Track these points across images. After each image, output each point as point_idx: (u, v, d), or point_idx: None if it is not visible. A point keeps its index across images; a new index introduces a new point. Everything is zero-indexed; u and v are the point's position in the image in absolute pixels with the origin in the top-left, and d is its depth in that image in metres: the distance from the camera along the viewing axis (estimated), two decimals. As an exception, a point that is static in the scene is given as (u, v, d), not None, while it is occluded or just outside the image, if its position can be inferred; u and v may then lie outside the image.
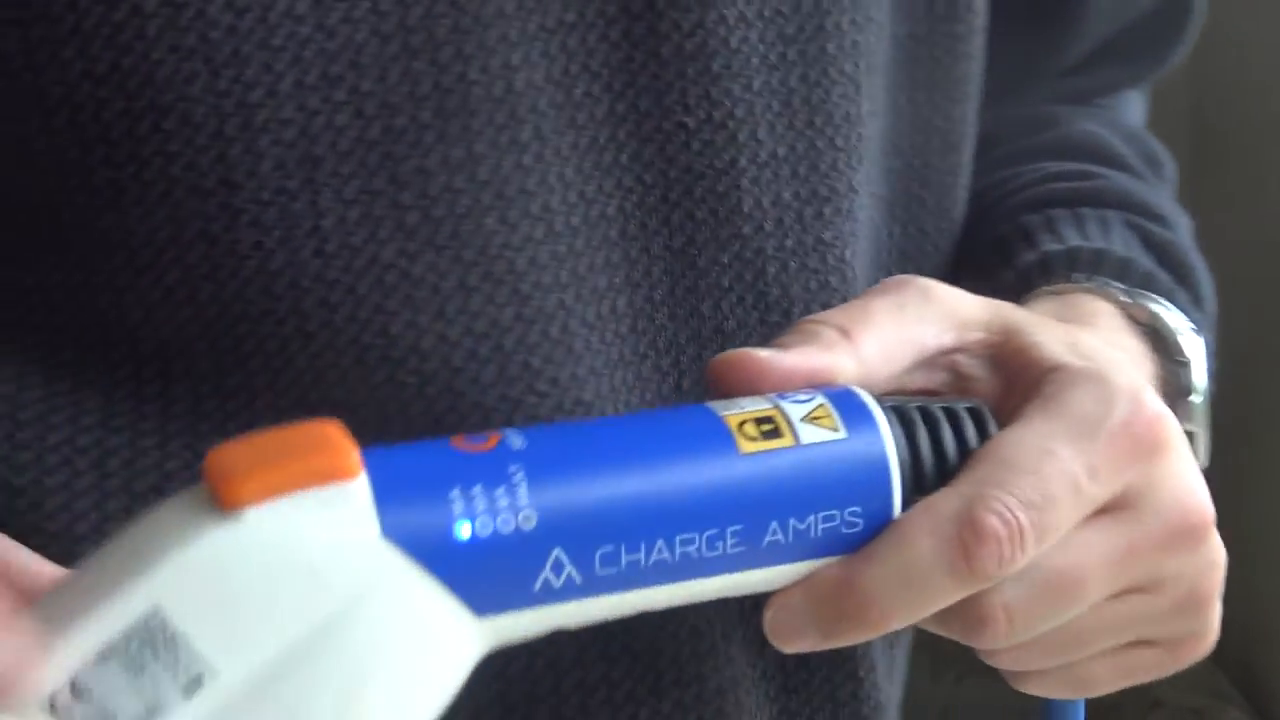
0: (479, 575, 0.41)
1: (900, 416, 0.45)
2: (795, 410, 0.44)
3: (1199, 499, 0.47)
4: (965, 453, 0.45)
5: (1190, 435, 0.54)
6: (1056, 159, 0.65)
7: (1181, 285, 0.59)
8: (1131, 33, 0.69)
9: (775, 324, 0.54)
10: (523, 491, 0.41)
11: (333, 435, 0.40)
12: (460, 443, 0.42)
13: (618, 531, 0.42)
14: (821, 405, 0.44)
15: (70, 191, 0.48)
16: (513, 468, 0.41)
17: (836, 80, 0.55)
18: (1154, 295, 0.56)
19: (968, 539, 0.43)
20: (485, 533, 0.40)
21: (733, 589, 0.44)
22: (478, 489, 0.41)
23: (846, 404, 0.44)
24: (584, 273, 0.51)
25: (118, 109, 0.47)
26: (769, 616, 0.45)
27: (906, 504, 0.44)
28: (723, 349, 0.52)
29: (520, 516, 0.41)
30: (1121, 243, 0.60)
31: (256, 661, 0.39)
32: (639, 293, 0.52)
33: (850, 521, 0.44)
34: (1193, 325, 0.56)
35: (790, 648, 0.45)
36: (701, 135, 0.52)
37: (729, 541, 0.43)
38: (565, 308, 0.50)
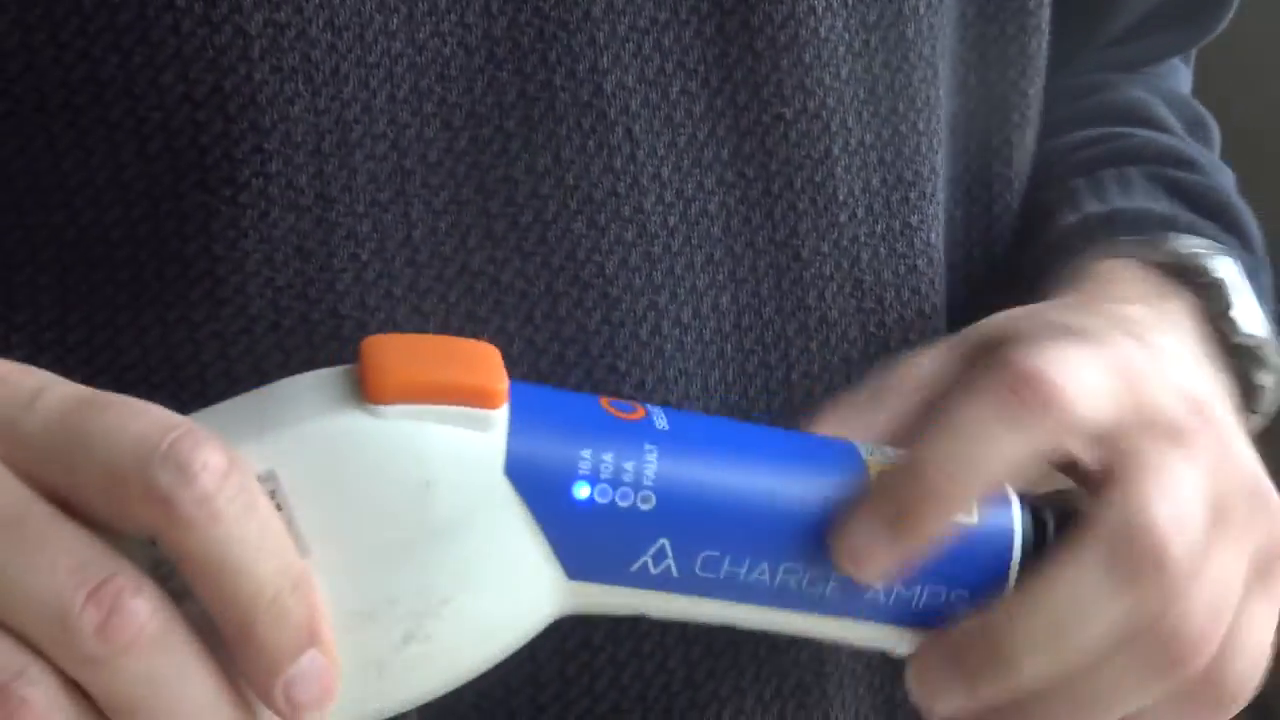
0: (583, 539, 0.41)
1: (1034, 516, 0.44)
2: None
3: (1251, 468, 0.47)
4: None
5: (1253, 390, 0.54)
6: (1092, 125, 0.65)
7: (1222, 226, 0.59)
8: (1176, 2, 0.69)
9: (870, 310, 0.54)
10: (651, 471, 0.41)
11: (490, 359, 0.41)
12: (607, 405, 0.42)
13: (728, 541, 0.41)
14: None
15: (159, 220, 0.48)
16: (649, 445, 0.41)
17: (916, 65, 0.55)
18: (1174, 234, 0.56)
19: (1140, 538, 0.43)
20: (603, 500, 0.41)
21: (816, 631, 0.44)
22: (609, 456, 0.41)
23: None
24: (681, 272, 0.51)
25: (216, 131, 0.47)
26: (911, 680, 0.45)
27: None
28: (828, 339, 0.53)
29: (640, 495, 0.41)
30: (1143, 194, 0.60)
31: (348, 554, 0.39)
32: (744, 288, 0.52)
33: (954, 603, 0.43)
34: (1235, 260, 0.56)
35: (939, 707, 0.44)
36: (798, 126, 0.52)
37: (830, 585, 0.42)
38: (657, 309, 0.50)
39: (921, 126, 0.55)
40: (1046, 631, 0.42)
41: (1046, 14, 0.59)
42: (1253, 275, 0.57)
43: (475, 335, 0.49)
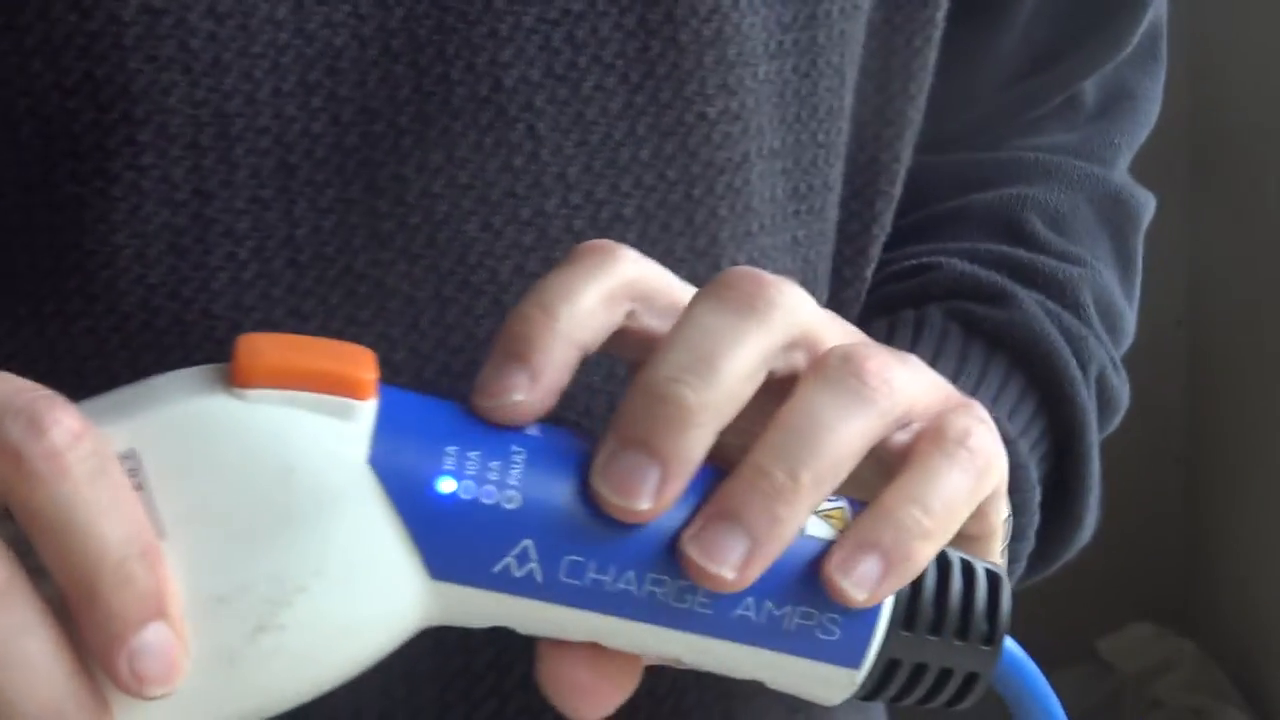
0: (446, 535, 0.40)
1: None
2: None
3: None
4: (969, 608, 0.43)
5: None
6: (939, 239, 0.63)
7: (1018, 365, 0.58)
8: (1075, 18, 0.65)
9: None
10: (517, 472, 0.40)
11: (363, 355, 0.40)
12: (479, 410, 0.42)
13: (592, 545, 0.41)
14: (840, 508, 0.42)
15: (30, 210, 0.46)
16: (516, 448, 0.41)
17: (824, 72, 0.53)
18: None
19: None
20: (467, 496, 0.40)
21: (689, 653, 0.42)
22: (475, 454, 0.40)
23: None
24: None
25: (87, 121, 0.45)
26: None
27: (889, 634, 0.42)
28: None
29: (505, 494, 0.40)
30: (932, 342, 0.58)
31: (205, 537, 0.39)
32: None
33: (827, 627, 0.42)
34: (1008, 413, 0.54)
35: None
36: (721, 127, 0.50)
37: (699, 598, 0.41)
38: None
39: (822, 138, 0.53)
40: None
41: (939, 32, 0.58)
42: (1034, 416, 0.56)
43: (356, 340, 0.46)
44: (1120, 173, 0.67)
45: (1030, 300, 0.59)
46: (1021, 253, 0.61)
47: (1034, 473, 0.56)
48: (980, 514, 0.44)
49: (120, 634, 0.37)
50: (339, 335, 0.47)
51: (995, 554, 0.46)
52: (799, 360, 0.42)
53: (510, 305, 0.46)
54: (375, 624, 0.41)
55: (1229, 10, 1.87)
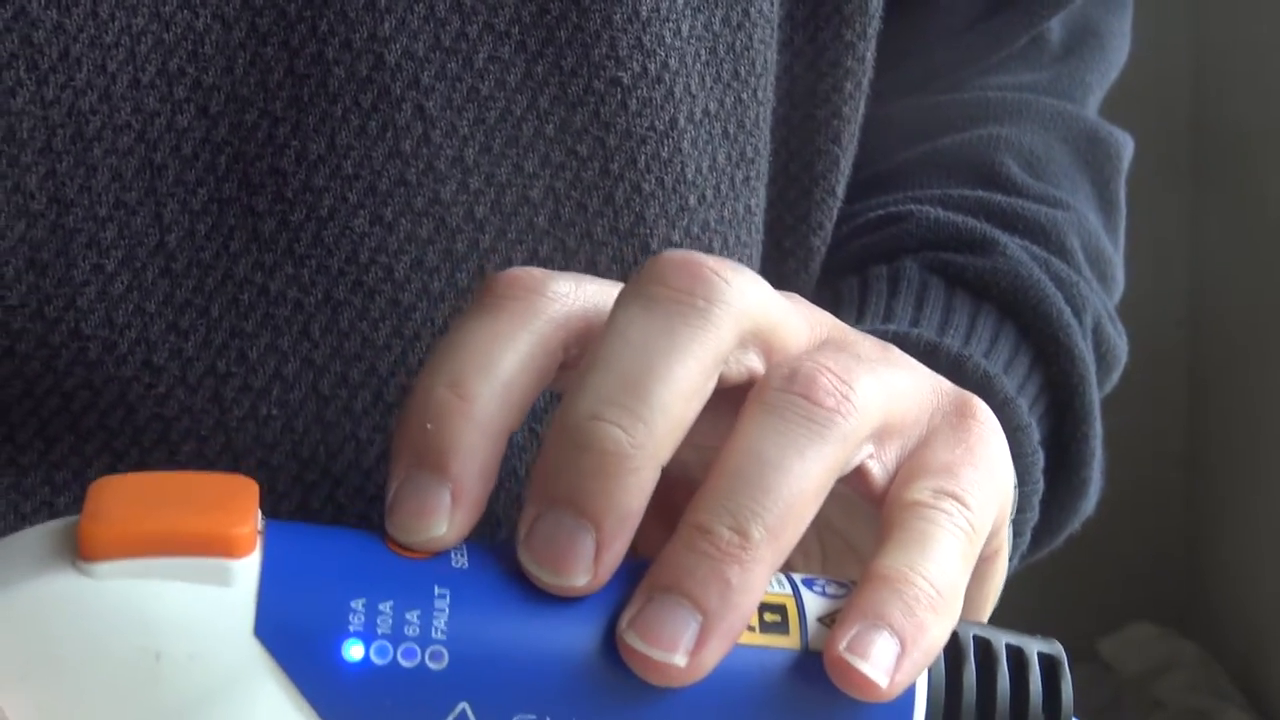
0: (361, 712, 0.33)
1: (950, 643, 0.36)
2: (815, 605, 0.36)
3: None
4: (1021, 704, 0.36)
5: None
6: (909, 186, 0.57)
7: (1009, 315, 0.53)
8: None
9: None
10: (442, 622, 0.34)
11: (239, 496, 0.34)
12: (393, 544, 0.35)
13: (547, 698, 0.34)
14: (785, 596, 0.36)
15: None
16: (440, 590, 0.34)
17: (756, 22, 0.48)
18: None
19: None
20: (381, 660, 0.33)
21: None
22: (388, 605, 0.34)
23: None
24: (494, 272, 0.43)
25: None
26: None
27: None
28: None
29: (429, 651, 0.33)
30: (912, 296, 0.52)
31: None
32: None
33: None
34: (983, 359, 0.49)
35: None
36: (639, 92, 0.45)
37: None
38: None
39: (760, 95, 0.48)
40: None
41: None
42: (1030, 371, 0.51)
43: (243, 353, 0.43)
44: (1093, 113, 0.62)
45: (1014, 245, 0.54)
46: (998, 197, 0.56)
47: (1035, 435, 0.51)
48: (985, 541, 0.39)
49: None
50: (223, 349, 0.43)
51: (1002, 569, 0.41)
52: (752, 363, 0.36)
53: (409, 305, 0.44)
54: None
55: (1229, 10, 1.87)
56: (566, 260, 0.45)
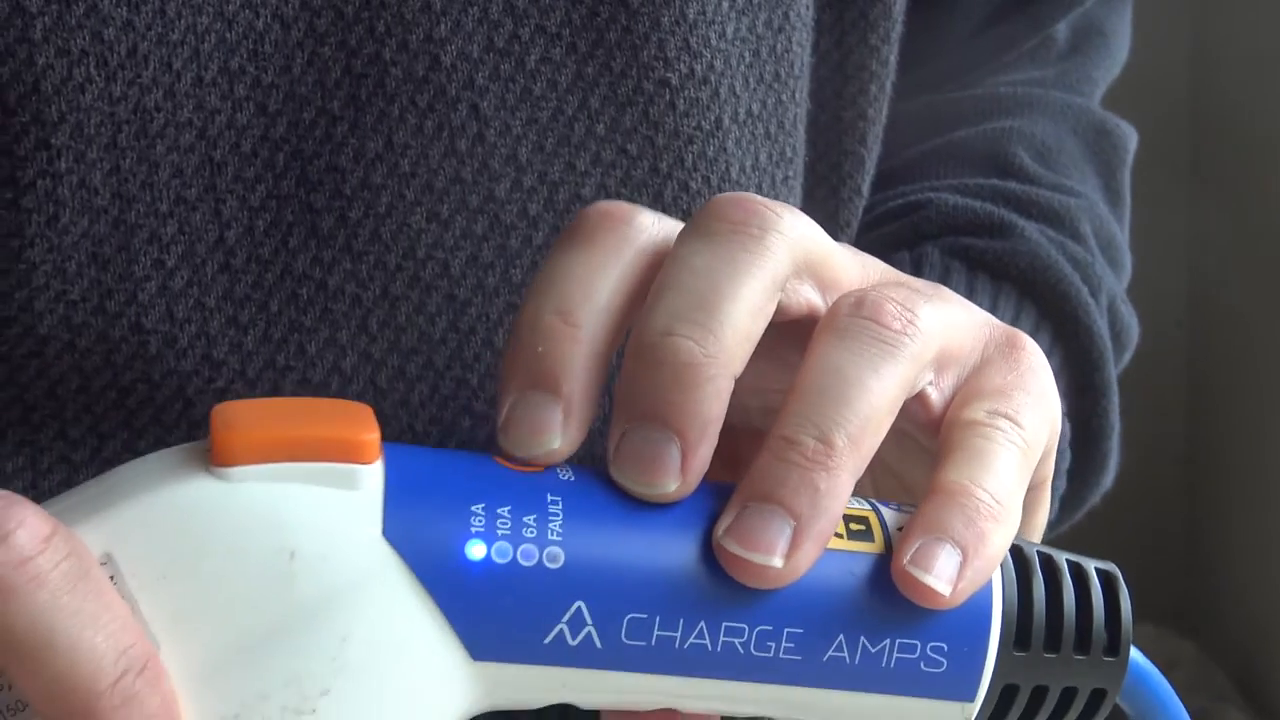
0: (484, 609, 0.35)
1: (1017, 557, 0.38)
2: (894, 519, 0.38)
3: None
4: (1086, 616, 0.38)
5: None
6: (925, 178, 0.59)
7: (1021, 289, 0.54)
8: None
9: None
10: (557, 525, 0.35)
11: (359, 413, 0.36)
12: (503, 460, 0.37)
13: (656, 599, 0.36)
14: (867, 510, 0.38)
15: None
16: (553, 497, 0.36)
17: (795, 25, 0.49)
18: None
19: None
20: (502, 560, 0.35)
21: (779, 709, 0.37)
22: (506, 509, 0.35)
23: None
24: None
25: None
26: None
27: (1002, 656, 0.37)
28: None
29: (546, 552, 0.35)
30: (935, 278, 0.53)
31: (204, 646, 0.34)
32: None
33: (932, 659, 0.37)
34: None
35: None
36: (686, 93, 0.46)
37: (783, 644, 0.36)
38: (516, 312, 0.44)
39: (799, 96, 0.50)
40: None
41: None
42: (1050, 349, 0.53)
43: (302, 347, 0.44)
44: (1099, 105, 0.64)
45: (1031, 229, 0.56)
46: (1013, 184, 0.58)
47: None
48: (1037, 467, 0.41)
49: None
50: (282, 344, 0.44)
51: (1048, 500, 0.43)
52: (809, 295, 0.38)
53: (465, 300, 0.45)
54: (413, 716, 0.35)
55: (1229, 10, 1.87)
56: None
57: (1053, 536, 0.52)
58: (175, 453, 0.36)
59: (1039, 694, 0.38)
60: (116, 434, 0.44)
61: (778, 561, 0.35)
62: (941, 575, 0.36)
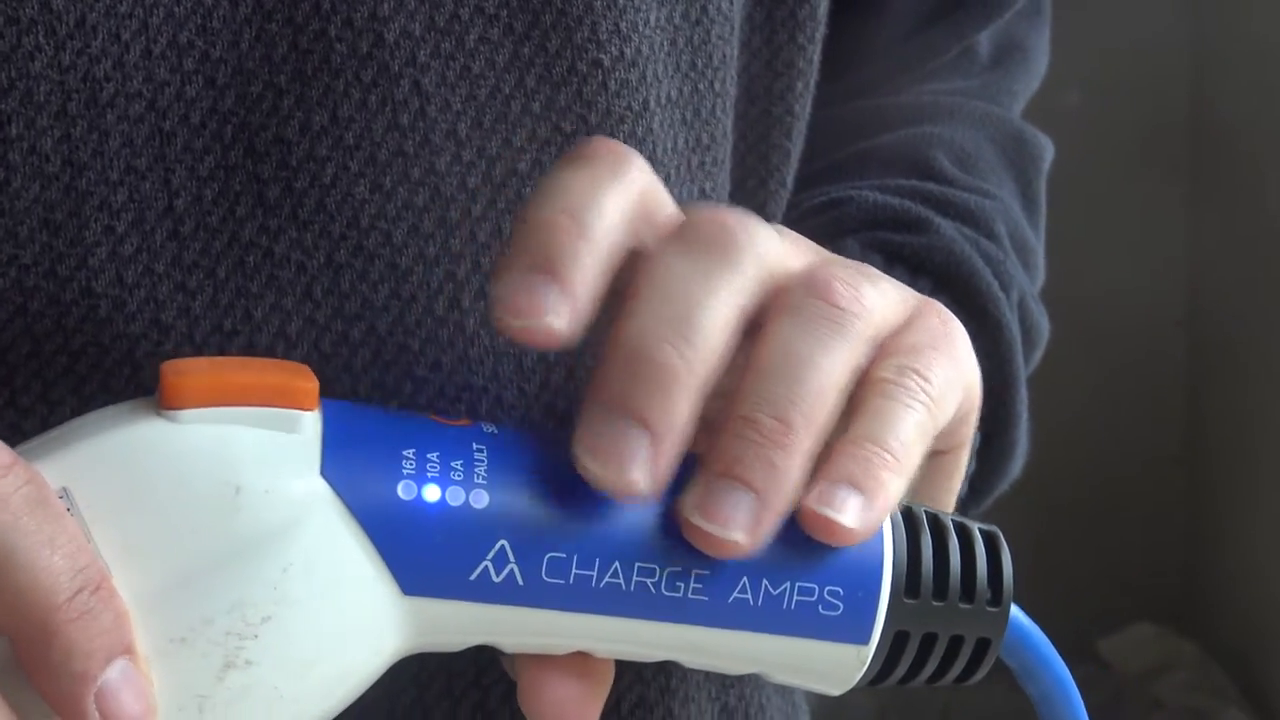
0: (414, 544, 0.38)
1: (907, 515, 0.41)
2: None
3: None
4: (970, 568, 0.41)
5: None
6: (849, 178, 0.61)
7: (942, 288, 0.56)
8: None
9: None
10: (482, 470, 0.38)
11: (299, 367, 0.38)
12: (434, 415, 0.40)
13: (574, 540, 0.38)
14: None
15: None
16: (478, 445, 0.39)
17: (715, 19, 0.51)
18: None
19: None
20: (430, 498, 0.38)
21: (686, 648, 0.40)
22: (435, 455, 0.38)
23: None
24: (485, 240, 0.47)
25: None
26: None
27: (893, 603, 0.40)
28: None
29: (472, 494, 0.38)
30: None
31: (153, 573, 0.36)
32: None
33: (829, 602, 0.40)
34: None
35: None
36: (617, 74, 0.48)
37: (691, 585, 0.39)
38: (455, 281, 0.46)
39: (718, 86, 0.51)
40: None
41: None
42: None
43: (248, 312, 0.45)
44: (1019, 117, 0.67)
45: (948, 226, 0.58)
46: (932, 186, 0.61)
47: None
48: (951, 430, 0.43)
49: (84, 672, 0.35)
50: (229, 309, 0.46)
51: (963, 466, 0.46)
52: (767, 300, 0.41)
53: (406, 269, 0.46)
54: (350, 650, 0.38)
55: (1229, 10, 1.87)
56: None
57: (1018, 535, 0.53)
58: (127, 404, 0.38)
59: (928, 641, 0.41)
60: (66, 400, 0.45)
61: (741, 536, 0.38)
62: (843, 511, 0.39)
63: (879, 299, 0.41)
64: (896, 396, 0.41)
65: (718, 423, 0.39)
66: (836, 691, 0.42)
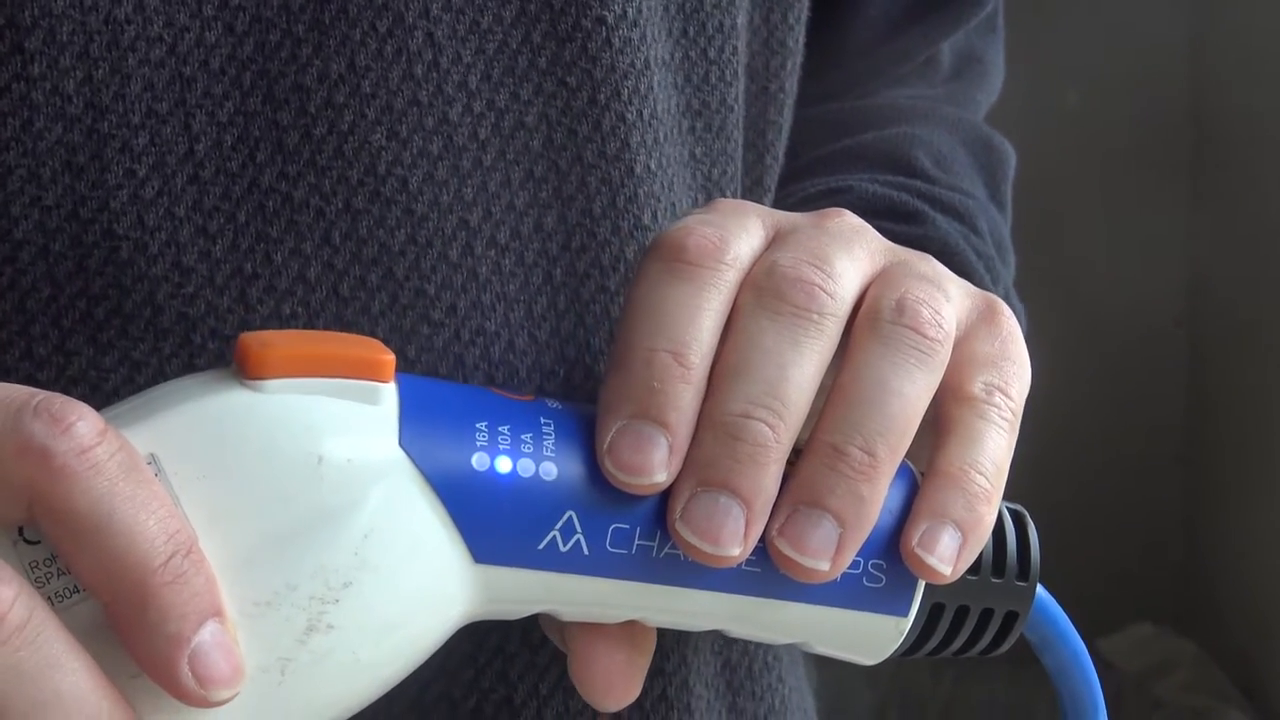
0: (486, 514, 0.39)
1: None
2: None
3: None
4: (1001, 544, 0.43)
5: None
6: (832, 171, 0.63)
7: None
8: None
9: None
10: (550, 443, 0.40)
11: (374, 342, 0.39)
12: (497, 390, 0.41)
13: (637, 512, 0.40)
14: None
15: None
16: (545, 420, 0.40)
17: None
18: None
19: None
20: (503, 470, 0.39)
21: (738, 618, 0.42)
22: (505, 428, 0.39)
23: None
24: (496, 189, 0.48)
25: None
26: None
27: None
28: None
29: (541, 466, 0.39)
30: None
31: (239, 539, 0.37)
32: (573, 206, 0.49)
33: (873, 575, 0.41)
34: None
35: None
36: (620, 31, 0.49)
37: (747, 558, 0.40)
38: (469, 228, 0.47)
39: (713, 54, 0.53)
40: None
41: None
42: None
43: (268, 256, 0.46)
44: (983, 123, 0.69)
45: (942, 219, 0.60)
46: (917, 182, 0.62)
47: None
48: None
49: (179, 634, 0.35)
50: (249, 252, 0.46)
51: None
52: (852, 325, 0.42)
53: (422, 214, 0.47)
54: (423, 616, 0.39)
55: (1228, 9, 1.87)
56: (559, 179, 0.49)
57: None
58: (208, 373, 0.39)
59: (961, 614, 0.43)
60: (82, 351, 0.45)
61: (824, 565, 0.40)
62: (944, 557, 0.41)
63: (957, 313, 0.43)
64: (990, 417, 0.42)
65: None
66: (871, 661, 0.43)
